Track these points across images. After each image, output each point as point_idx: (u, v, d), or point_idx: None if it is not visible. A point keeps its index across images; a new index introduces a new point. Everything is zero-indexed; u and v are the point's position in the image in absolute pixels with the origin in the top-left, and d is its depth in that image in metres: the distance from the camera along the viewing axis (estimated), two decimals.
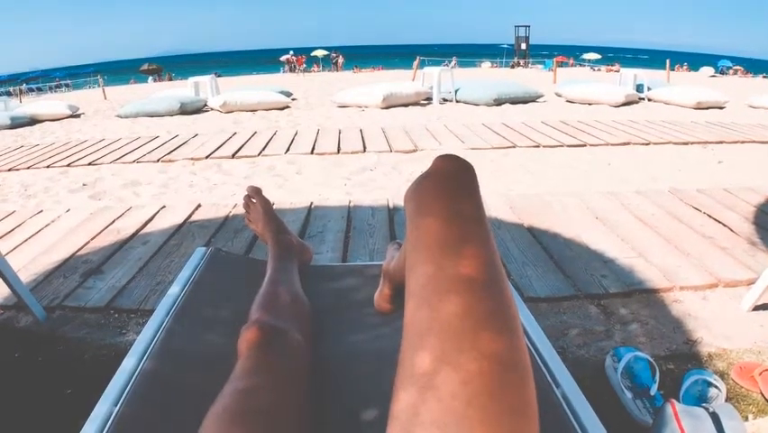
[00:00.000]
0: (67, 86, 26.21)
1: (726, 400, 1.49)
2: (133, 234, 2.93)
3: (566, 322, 1.96)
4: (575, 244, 2.63)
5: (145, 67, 38.29)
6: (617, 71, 13.15)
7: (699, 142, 5.26)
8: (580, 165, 4.43)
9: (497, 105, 8.66)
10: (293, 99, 10.53)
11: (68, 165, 5.03)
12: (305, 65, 29.08)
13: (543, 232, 2.80)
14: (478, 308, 0.46)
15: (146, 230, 3.01)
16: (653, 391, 1.49)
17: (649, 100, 9.18)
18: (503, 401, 0.42)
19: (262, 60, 50.72)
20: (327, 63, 33.62)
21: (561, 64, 24.13)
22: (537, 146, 5.12)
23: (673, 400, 1.34)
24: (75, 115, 9.83)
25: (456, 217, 0.54)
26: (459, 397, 0.41)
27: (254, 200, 1.40)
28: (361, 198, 3.55)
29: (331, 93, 10.72)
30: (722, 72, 27.28)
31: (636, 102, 8.95)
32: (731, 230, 2.77)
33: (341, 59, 31.82)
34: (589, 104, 8.78)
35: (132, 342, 1.01)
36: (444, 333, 0.45)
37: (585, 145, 5.15)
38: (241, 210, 1.54)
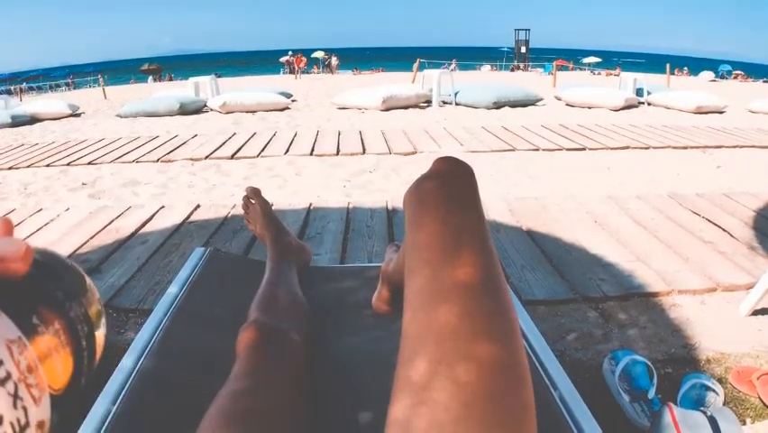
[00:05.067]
0: (67, 85, 26.18)
1: (723, 405, 1.49)
2: (132, 234, 2.93)
3: (564, 325, 1.96)
4: (574, 247, 2.64)
5: (145, 67, 38.28)
6: (618, 75, 13.16)
7: (698, 147, 5.26)
8: (580, 169, 4.44)
9: (496, 108, 8.66)
10: (293, 101, 10.53)
11: (68, 164, 5.03)
12: (305, 66, 28.41)
13: (541, 235, 2.80)
14: (475, 313, 0.46)
15: (145, 230, 3.01)
16: (651, 394, 1.49)
17: (649, 104, 9.19)
18: (501, 404, 0.42)
19: (262, 62, 50.70)
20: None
21: (561, 68, 24.19)
22: (536, 149, 5.13)
23: (671, 404, 1.34)
24: (75, 115, 9.82)
25: (454, 221, 0.54)
26: (456, 400, 0.41)
27: (253, 201, 1.39)
28: (360, 199, 3.55)
29: (331, 95, 10.72)
30: (722, 77, 27.27)
31: (636, 106, 8.94)
32: (730, 235, 2.77)
33: (334, 61, 31.27)
34: (589, 107, 8.78)
35: (131, 341, 1.01)
36: (441, 337, 0.45)
37: (584, 149, 5.16)
38: (240, 211, 1.54)
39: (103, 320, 0.29)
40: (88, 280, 0.29)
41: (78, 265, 0.28)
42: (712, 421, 1.28)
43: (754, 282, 2.07)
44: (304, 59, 27.71)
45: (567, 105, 9.32)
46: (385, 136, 5.89)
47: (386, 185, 3.99)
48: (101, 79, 19.56)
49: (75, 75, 31.49)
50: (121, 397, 0.84)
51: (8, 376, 0.21)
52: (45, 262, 0.26)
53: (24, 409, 0.22)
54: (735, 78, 26.77)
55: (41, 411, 0.23)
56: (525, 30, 35.44)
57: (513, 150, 5.12)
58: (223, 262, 1.43)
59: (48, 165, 5.02)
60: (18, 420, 0.22)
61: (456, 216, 0.55)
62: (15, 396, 0.22)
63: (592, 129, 6.20)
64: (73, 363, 0.26)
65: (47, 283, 0.26)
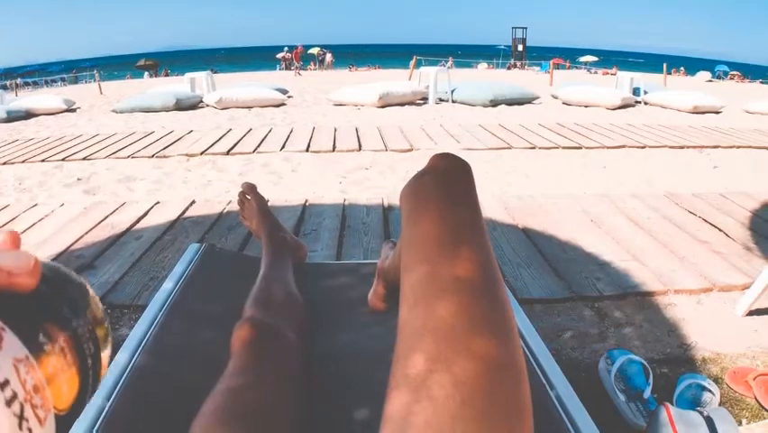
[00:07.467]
0: (63, 80, 26.02)
1: (719, 405, 1.49)
2: (127, 230, 2.92)
3: (560, 324, 1.96)
4: (570, 246, 2.64)
5: (141, 62, 38.15)
6: (615, 74, 13.17)
7: (694, 147, 5.27)
8: (576, 167, 4.44)
9: (493, 106, 8.66)
10: (289, 97, 10.51)
11: (63, 159, 5.00)
12: (302, 62, 28.07)
13: (537, 233, 2.80)
14: (472, 310, 0.46)
15: (140, 225, 2.99)
16: (647, 394, 1.49)
17: (645, 104, 9.21)
18: (497, 402, 0.41)
19: (259, 58, 50.57)
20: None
21: (557, 66, 24.21)
22: (533, 148, 5.13)
23: (667, 404, 1.34)
24: (70, 110, 9.77)
25: (452, 217, 0.54)
26: (453, 398, 0.40)
27: (249, 197, 1.39)
28: (356, 196, 3.55)
29: (326, 91, 10.70)
30: (719, 77, 27.33)
31: (633, 105, 8.96)
32: (726, 235, 2.77)
33: (329, 57, 30.96)
34: (586, 106, 8.79)
35: (125, 337, 1.00)
36: (439, 334, 0.45)
37: (581, 148, 5.16)
38: (235, 207, 1.53)
39: (109, 339, 0.28)
40: (93, 294, 0.28)
41: (84, 280, 0.27)
42: (709, 421, 1.27)
43: (750, 282, 2.07)
44: (300, 47, 27.29)
45: (564, 103, 9.33)
46: (381, 133, 5.88)
47: (382, 182, 3.99)
48: (97, 75, 19.50)
49: (66, 72, 31.18)
50: (115, 393, 0.84)
51: (14, 396, 0.21)
52: (51, 277, 0.25)
53: (29, 430, 0.21)
54: (731, 78, 26.83)
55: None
56: (523, 28, 35.44)
57: (509, 148, 5.12)
58: (218, 259, 1.42)
59: (43, 160, 4.99)
60: None
61: (454, 212, 0.55)
62: (21, 417, 0.21)
63: (589, 128, 6.21)
64: (79, 382, 0.25)
65: (53, 299, 0.25)
